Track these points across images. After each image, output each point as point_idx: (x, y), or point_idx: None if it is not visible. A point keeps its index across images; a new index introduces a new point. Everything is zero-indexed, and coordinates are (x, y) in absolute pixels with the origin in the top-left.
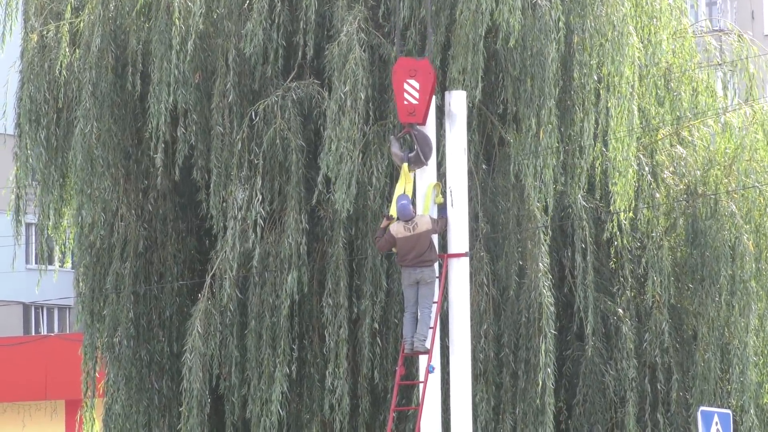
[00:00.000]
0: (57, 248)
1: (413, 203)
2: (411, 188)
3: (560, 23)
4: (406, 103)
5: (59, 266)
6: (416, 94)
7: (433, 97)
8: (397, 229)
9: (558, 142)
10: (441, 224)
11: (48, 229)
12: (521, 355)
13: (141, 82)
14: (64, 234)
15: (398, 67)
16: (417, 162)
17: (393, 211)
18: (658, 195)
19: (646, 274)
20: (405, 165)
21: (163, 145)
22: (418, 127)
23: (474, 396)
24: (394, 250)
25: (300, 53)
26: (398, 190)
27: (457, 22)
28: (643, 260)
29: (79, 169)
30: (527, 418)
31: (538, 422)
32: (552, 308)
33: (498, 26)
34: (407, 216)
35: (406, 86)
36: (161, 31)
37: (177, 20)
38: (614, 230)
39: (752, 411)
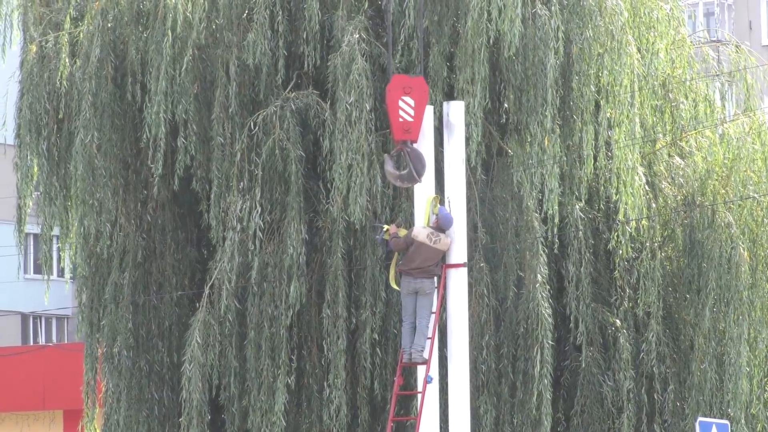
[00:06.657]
0: (63, 258)
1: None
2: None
3: (560, 33)
4: (401, 120)
5: (60, 276)
6: (411, 112)
7: (432, 109)
8: (418, 232)
9: (560, 151)
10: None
11: (56, 241)
12: (519, 366)
13: (140, 92)
14: (68, 245)
15: (393, 85)
16: (410, 179)
17: (402, 232)
18: (654, 205)
19: (640, 284)
20: (430, 197)
21: (161, 156)
22: (411, 144)
23: (478, 408)
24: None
25: (303, 63)
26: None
27: (462, 32)
28: (637, 271)
29: (80, 179)
30: (525, 429)
31: None
32: (550, 319)
33: (500, 37)
34: (447, 227)
35: (401, 104)
36: (158, 42)
37: (170, 32)
38: (619, 239)
39: (743, 421)
